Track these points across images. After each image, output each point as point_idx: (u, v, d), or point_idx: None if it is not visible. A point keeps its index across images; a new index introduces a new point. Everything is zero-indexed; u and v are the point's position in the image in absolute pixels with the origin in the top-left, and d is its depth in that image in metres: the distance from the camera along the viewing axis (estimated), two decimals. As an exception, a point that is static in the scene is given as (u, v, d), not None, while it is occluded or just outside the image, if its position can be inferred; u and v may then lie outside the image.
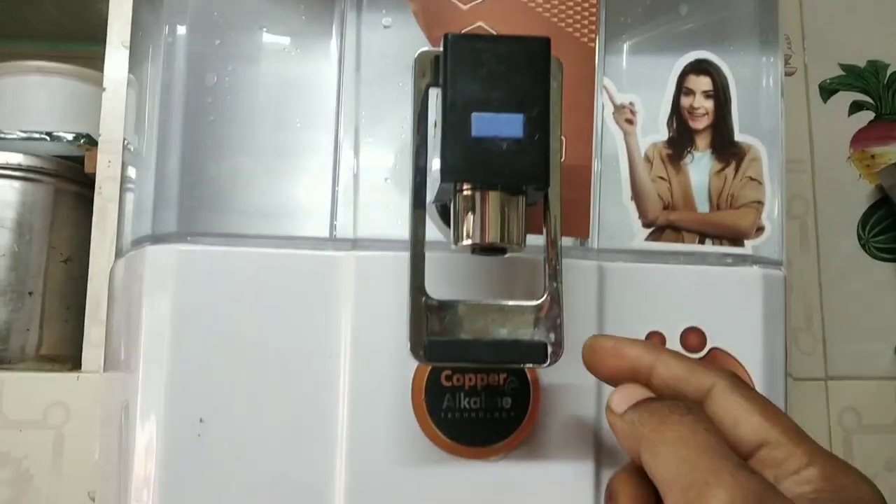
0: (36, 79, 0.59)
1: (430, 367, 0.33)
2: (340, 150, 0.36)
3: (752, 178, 0.37)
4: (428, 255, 0.30)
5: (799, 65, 0.66)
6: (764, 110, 0.39)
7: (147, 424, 0.32)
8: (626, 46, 0.38)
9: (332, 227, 0.35)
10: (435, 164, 0.30)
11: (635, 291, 0.35)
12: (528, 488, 0.33)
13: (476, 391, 0.33)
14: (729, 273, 0.37)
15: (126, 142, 0.51)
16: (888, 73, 0.67)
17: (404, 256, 0.30)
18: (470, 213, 0.29)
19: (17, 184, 0.53)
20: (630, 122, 0.37)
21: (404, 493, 0.33)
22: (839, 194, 0.66)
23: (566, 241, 0.35)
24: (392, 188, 0.36)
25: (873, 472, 0.60)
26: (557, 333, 0.30)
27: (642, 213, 0.36)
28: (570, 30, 0.35)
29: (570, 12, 0.35)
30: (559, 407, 0.34)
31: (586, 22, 0.36)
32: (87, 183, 0.54)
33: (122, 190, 0.50)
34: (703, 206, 0.37)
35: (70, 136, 0.54)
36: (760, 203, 0.38)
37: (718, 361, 0.36)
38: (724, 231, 0.37)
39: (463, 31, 0.35)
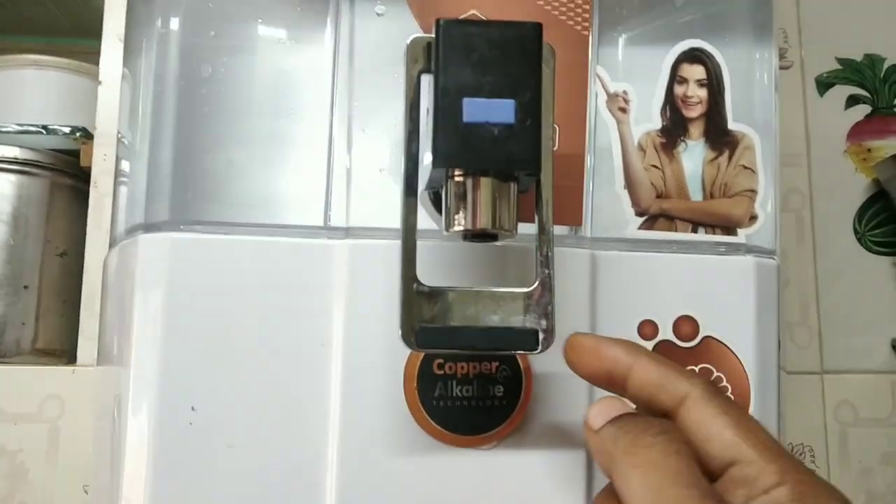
0: (32, 72, 0.59)
1: (422, 356, 0.33)
2: (334, 140, 0.36)
3: (745, 167, 0.37)
4: (420, 243, 0.30)
5: (795, 58, 0.66)
6: (758, 100, 0.39)
7: (139, 412, 0.32)
8: (621, 37, 0.38)
9: (327, 216, 0.35)
10: (427, 151, 0.30)
11: (628, 280, 0.35)
12: (520, 476, 0.33)
13: (468, 379, 0.33)
14: (722, 262, 0.37)
15: (120, 135, 0.51)
16: (885, 66, 0.67)
17: (397, 245, 0.30)
18: (461, 199, 0.29)
19: (12, 177, 0.53)
20: (623, 110, 0.37)
21: (396, 482, 0.33)
22: (835, 188, 0.66)
23: (559, 230, 0.35)
24: (386, 178, 0.36)
25: (869, 466, 0.60)
26: (549, 320, 0.30)
27: (635, 202, 0.36)
28: (564, 18, 0.35)
29: (564, 0, 0.35)
30: (551, 395, 0.34)
31: (580, 10, 0.36)
32: (82, 176, 0.54)
33: (116, 183, 0.50)
34: (696, 194, 0.37)
35: (66, 130, 0.54)
36: (754, 192, 0.38)
37: (711, 350, 0.36)
38: (718, 220, 0.37)
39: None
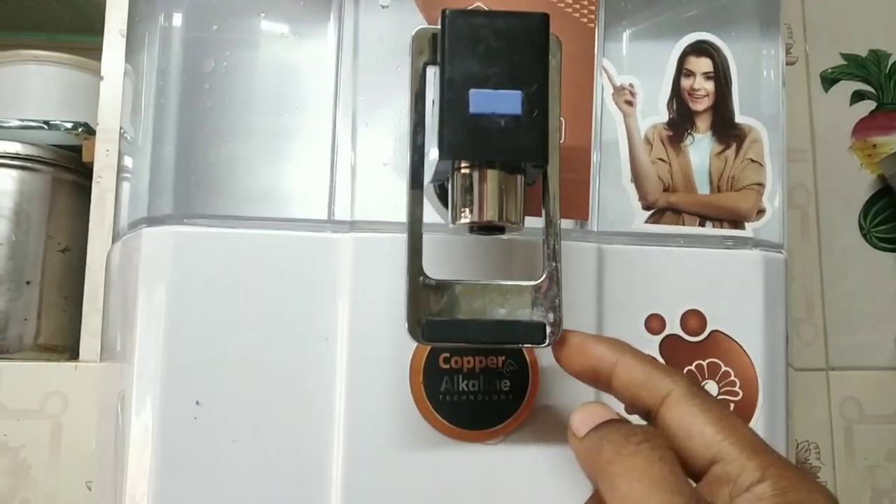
0: (33, 68, 0.59)
1: (428, 350, 0.33)
2: (338, 134, 0.35)
3: (752, 160, 0.37)
4: (425, 236, 0.30)
5: (800, 54, 0.66)
6: (765, 94, 0.39)
7: (143, 407, 0.32)
8: (626, 31, 0.38)
9: (331, 210, 0.35)
10: (433, 145, 0.30)
11: (635, 274, 0.35)
12: (527, 471, 0.33)
13: (474, 374, 0.33)
14: (729, 256, 0.36)
15: (122, 131, 0.50)
16: (890, 62, 0.67)
17: (402, 238, 0.30)
18: (468, 192, 0.29)
19: (14, 173, 0.52)
20: (630, 103, 0.36)
21: (402, 476, 0.32)
22: (840, 184, 0.65)
23: (565, 224, 0.35)
24: (390, 173, 0.36)
25: (874, 463, 0.60)
26: (556, 314, 0.30)
27: (642, 196, 0.36)
28: (570, 10, 0.35)
29: (570, -7, 0.35)
30: (558, 390, 0.34)
31: (586, 2, 0.35)
32: (84, 172, 0.54)
33: (119, 179, 0.50)
34: (703, 188, 0.37)
35: (68, 125, 0.54)
36: (761, 185, 0.37)
37: (719, 344, 0.35)
38: (725, 213, 0.37)
39: (461, 12, 0.34)
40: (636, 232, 0.36)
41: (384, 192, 0.35)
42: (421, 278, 0.29)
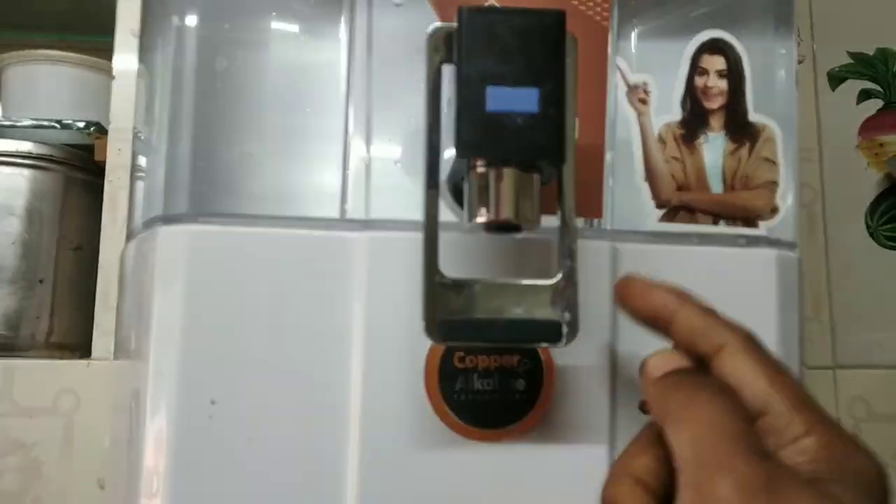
0: (45, 67, 0.59)
1: (443, 349, 0.33)
2: (351, 133, 0.35)
3: (766, 159, 0.37)
4: (440, 235, 0.30)
5: (807, 53, 0.66)
6: (778, 92, 0.39)
7: (158, 406, 0.32)
8: (639, 29, 0.38)
9: (343, 209, 0.35)
10: (448, 144, 0.30)
11: (649, 272, 0.35)
12: (542, 470, 0.33)
13: (489, 373, 0.33)
14: (743, 254, 0.36)
15: (136, 130, 0.51)
16: (898, 60, 0.67)
17: (417, 237, 0.30)
18: (484, 191, 0.29)
19: (26, 172, 0.53)
20: (643, 101, 0.37)
21: (417, 476, 0.32)
22: (847, 183, 0.65)
23: (578, 223, 0.35)
24: (403, 172, 0.36)
25: (883, 462, 0.60)
26: (573, 313, 0.30)
27: (656, 194, 0.36)
28: (584, 7, 0.35)
29: (583, -9, 0.35)
30: (573, 389, 0.34)
31: (600, 0, 0.35)
32: (96, 171, 0.54)
33: (133, 178, 0.50)
34: (717, 186, 0.37)
35: (80, 125, 0.54)
36: (775, 183, 0.37)
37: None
38: (739, 212, 0.37)
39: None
40: (650, 231, 0.36)
41: (396, 191, 0.35)
42: (437, 277, 0.29)
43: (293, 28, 0.38)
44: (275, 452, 0.32)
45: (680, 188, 0.37)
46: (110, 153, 0.53)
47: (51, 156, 0.53)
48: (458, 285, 0.30)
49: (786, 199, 0.38)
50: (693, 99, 0.37)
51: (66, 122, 0.54)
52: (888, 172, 0.65)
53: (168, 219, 0.35)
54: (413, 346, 0.33)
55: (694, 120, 0.37)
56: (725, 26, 0.38)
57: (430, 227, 0.30)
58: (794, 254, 0.37)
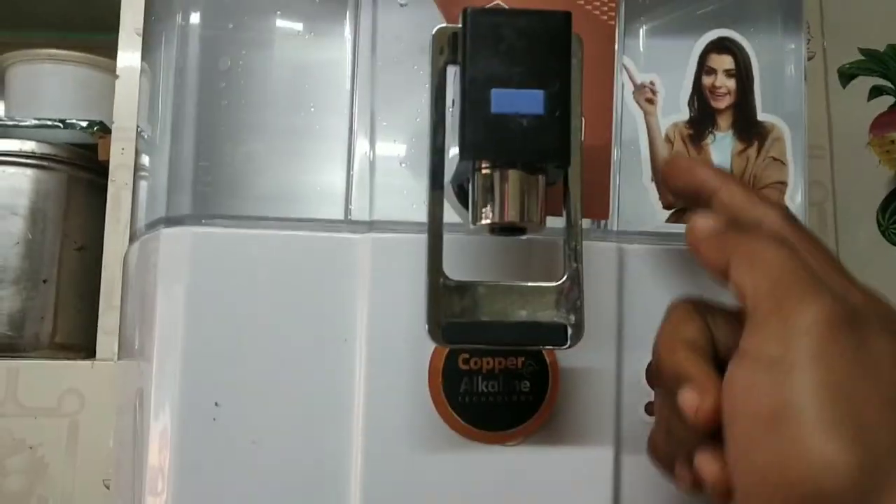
0: (48, 66, 0.59)
1: (447, 351, 0.33)
2: (355, 133, 0.35)
3: (775, 159, 0.37)
4: (445, 237, 0.30)
5: (818, 49, 0.65)
6: (787, 91, 0.38)
7: (162, 407, 0.32)
8: (646, 28, 0.37)
9: (348, 210, 0.35)
10: (452, 145, 0.30)
11: (656, 273, 0.35)
12: (547, 473, 0.33)
13: (494, 375, 0.33)
14: (751, 255, 0.36)
15: (140, 130, 0.50)
16: (909, 57, 0.66)
17: (421, 238, 0.30)
18: (489, 192, 0.29)
19: (30, 171, 0.53)
20: (650, 101, 0.36)
21: (420, 478, 0.32)
22: (858, 180, 0.65)
23: (585, 224, 0.35)
24: (407, 173, 0.35)
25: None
26: (578, 315, 0.30)
27: (663, 195, 0.36)
28: (590, 7, 0.35)
29: (590, -10, 0.35)
30: (578, 391, 0.33)
31: (606, -1, 0.35)
32: (100, 170, 0.54)
33: (136, 178, 0.50)
34: (724, 187, 0.36)
35: (83, 124, 0.54)
36: (784, 184, 0.37)
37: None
38: (747, 212, 0.36)
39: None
40: (657, 231, 0.36)
41: (401, 192, 0.35)
42: (441, 279, 0.29)
43: (297, 27, 0.37)
44: (278, 454, 0.32)
45: (688, 189, 0.36)
46: (113, 152, 0.53)
47: (54, 155, 0.53)
48: (463, 287, 0.29)
49: (794, 198, 0.37)
50: (701, 98, 0.36)
51: (70, 121, 0.54)
52: (899, 170, 0.65)
53: (171, 221, 0.34)
54: (417, 348, 0.33)
55: (702, 119, 0.36)
56: (733, 24, 0.37)
57: (434, 229, 0.29)
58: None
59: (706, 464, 0.27)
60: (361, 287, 0.33)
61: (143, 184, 0.46)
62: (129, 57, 0.54)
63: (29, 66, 0.59)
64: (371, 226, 0.34)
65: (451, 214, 0.34)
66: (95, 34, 0.66)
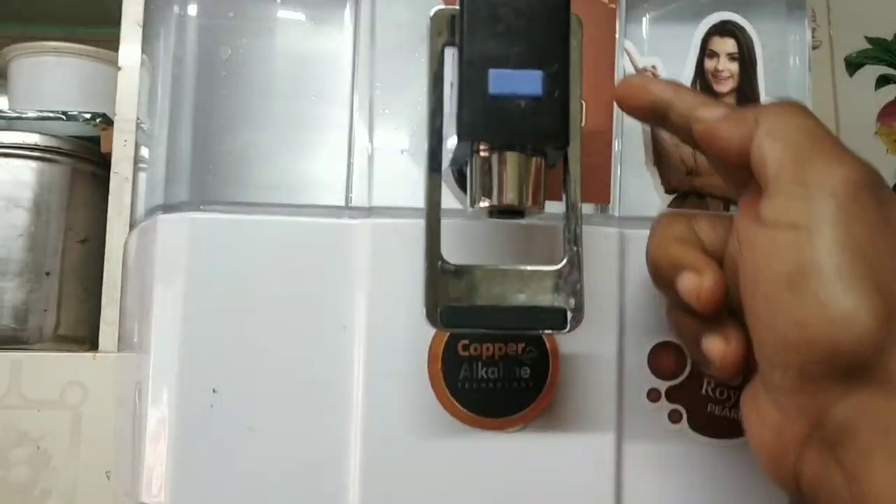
0: (51, 59, 0.59)
1: (446, 337, 0.32)
2: (355, 122, 0.35)
3: (778, 143, 0.36)
4: (443, 221, 0.29)
5: (824, 38, 0.65)
6: (791, 77, 0.38)
7: (160, 393, 0.32)
8: (648, 12, 0.37)
9: (348, 197, 0.35)
10: (451, 130, 0.29)
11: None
12: (548, 459, 0.33)
13: (494, 361, 0.33)
14: (755, 241, 0.36)
15: (139, 121, 0.50)
16: (917, 45, 0.66)
17: (420, 224, 0.29)
18: (487, 175, 0.29)
19: (33, 164, 0.53)
20: (652, 85, 0.36)
21: (420, 465, 0.32)
22: (866, 170, 0.64)
23: (586, 208, 0.34)
24: (408, 160, 0.35)
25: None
26: (577, 299, 0.29)
27: (665, 180, 0.36)
28: (590, -11, 0.34)
29: (590, -27, 0.35)
30: (579, 377, 0.33)
31: (606, -18, 0.35)
32: (103, 163, 0.54)
33: (136, 170, 0.50)
34: (727, 171, 0.36)
35: (86, 116, 0.54)
36: (787, 168, 0.36)
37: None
38: (750, 197, 0.36)
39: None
40: (659, 216, 0.36)
41: (402, 180, 0.35)
42: (439, 263, 0.29)
43: (297, 15, 0.37)
44: (276, 441, 0.32)
45: (689, 173, 0.36)
46: (116, 144, 0.53)
47: (57, 148, 0.53)
48: (461, 271, 0.29)
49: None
50: (703, 82, 0.36)
51: (73, 113, 0.54)
52: (907, 160, 0.64)
53: (168, 207, 0.34)
54: (416, 334, 0.32)
55: (704, 103, 0.36)
56: (736, 8, 0.37)
57: (432, 212, 0.29)
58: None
59: (711, 343, 0.27)
60: (360, 273, 0.33)
61: (142, 175, 0.46)
62: (131, 49, 0.54)
63: (32, 59, 0.59)
64: (370, 212, 0.34)
65: (451, 200, 0.33)
66: (99, 27, 0.66)
